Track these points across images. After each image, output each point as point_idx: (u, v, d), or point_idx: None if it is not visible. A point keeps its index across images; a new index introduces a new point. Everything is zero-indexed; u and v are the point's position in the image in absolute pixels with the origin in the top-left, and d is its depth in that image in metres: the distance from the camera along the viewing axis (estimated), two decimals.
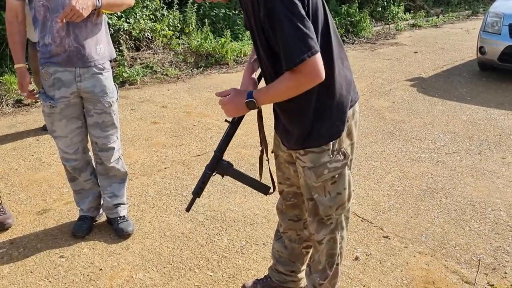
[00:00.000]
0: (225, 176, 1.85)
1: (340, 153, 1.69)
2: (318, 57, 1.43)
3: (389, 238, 2.69)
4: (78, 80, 2.40)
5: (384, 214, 2.95)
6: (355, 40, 9.04)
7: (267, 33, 1.49)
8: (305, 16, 1.42)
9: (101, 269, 2.43)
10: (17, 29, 2.37)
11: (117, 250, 2.59)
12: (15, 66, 2.42)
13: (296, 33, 1.40)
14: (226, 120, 1.81)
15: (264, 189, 1.88)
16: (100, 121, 2.51)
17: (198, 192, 1.84)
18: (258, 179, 1.91)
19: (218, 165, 1.82)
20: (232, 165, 1.83)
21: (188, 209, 1.90)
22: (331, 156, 1.67)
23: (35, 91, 2.52)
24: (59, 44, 2.31)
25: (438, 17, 12.06)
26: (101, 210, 2.84)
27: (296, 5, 1.40)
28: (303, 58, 1.40)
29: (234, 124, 1.80)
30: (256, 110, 1.68)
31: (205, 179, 1.83)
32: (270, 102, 1.63)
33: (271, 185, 1.91)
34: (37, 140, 4.20)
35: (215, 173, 1.84)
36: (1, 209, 2.84)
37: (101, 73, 2.45)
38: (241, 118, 1.79)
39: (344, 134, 1.68)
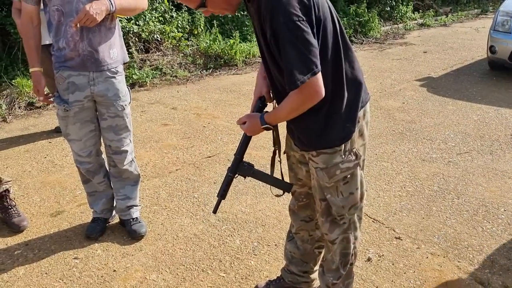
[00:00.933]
0: (247, 177, 1.88)
1: (352, 153, 1.71)
2: (318, 77, 1.49)
3: (401, 239, 2.69)
4: (92, 84, 2.42)
5: (395, 215, 2.95)
6: (363, 40, 9.02)
7: (273, 51, 1.54)
8: (308, 38, 1.45)
9: (115, 270, 2.46)
10: (32, 33, 2.40)
11: (130, 252, 2.62)
12: (30, 70, 2.45)
13: (298, 56, 1.45)
14: None
15: (286, 187, 1.90)
16: (114, 125, 2.54)
17: (223, 194, 1.88)
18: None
19: (239, 167, 1.84)
20: (253, 166, 1.86)
21: (215, 211, 1.94)
22: (343, 156, 1.70)
23: (49, 95, 2.55)
24: (73, 49, 2.34)
25: (447, 16, 12.00)
26: (114, 212, 2.86)
27: (300, 28, 1.44)
28: (303, 80, 1.46)
29: None
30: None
31: (228, 182, 1.86)
32: (281, 122, 1.71)
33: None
34: (50, 142, 4.25)
35: (237, 175, 1.86)
36: (16, 211, 2.88)
37: (114, 77, 2.47)
38: None
39: (355, 134, 1.70)
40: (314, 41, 1.47)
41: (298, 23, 1.43)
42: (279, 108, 1.65)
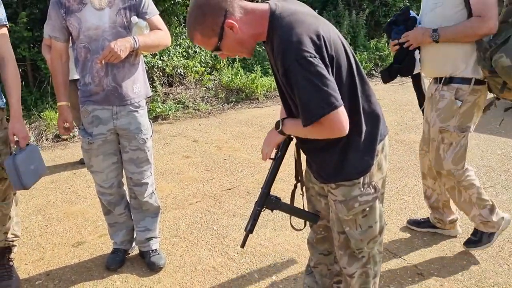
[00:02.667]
0: (274, 210, 1.88)
1: (371, 186, 1.71)
2: (341, 110, 1.48)
3: (424, 276, 2.62)
4: (115, 118, 2.50)
5: (417, 250, 2.88)
6: None
7: (286, 89, 1.58)
8: (323, 73, 1.46)
9: None
10: (61, 70, 2.51)
11: (148, 284, 2.62)
12: (58, 104, 2.55)
13: (315, 92, 1.46)
14: (270, 158, 1.86)
15: (313, 218, 1.91)
16: (135, 157, 2.60)
17: (250, 229, 1.85)
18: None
19: (267, 201, 1.84)
20: (280, 199, 1.86)
21: (242, 245, 1.92)
22: (362, 189, 1.70)
23: (67, 127, 2.57)
24: (98, 84, 2.43)
25: None
26: (133, 243, 2.89)
27: (313, 64, 1.45)
28: (323, 114, 1.46)
29: (278, 160, 1.84)
30: (295, 148, 1.82)
31: (256, 216, 1.85)
32: (293, 134, 1.72)
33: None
34: (74, 173, 4.35)
35: (264, 208, 1.85)
36: (7, 273, 2.61)
37: (137, 111, 2.55)
38: (283, 153, 1.84)
39: (374, 168, 1.71)
40: (330, 76, 1.48)
41: (310, 59, 1.45)
42: (298, 124, 1.60)
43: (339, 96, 1.48)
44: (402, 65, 2.63)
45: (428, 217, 3.10)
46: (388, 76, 2.73)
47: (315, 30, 1.51)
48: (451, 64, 2.50)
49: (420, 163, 2.96)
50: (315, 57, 1.46)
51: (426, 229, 3.07)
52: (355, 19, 9.69)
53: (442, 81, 2.56)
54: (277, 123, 1.74)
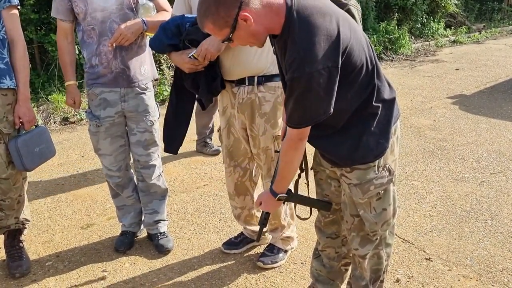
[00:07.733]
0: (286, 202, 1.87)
1: (385, 169, 1.72)
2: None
3: (432, 261, 2.62)
4: (123, 100, 2.49)
5: (426, 235, 2.87)
6: (393, 57, 8.94)
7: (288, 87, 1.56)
8: (331, 86, 1.49)
9: (142, 284, 2.48)
10: (67, 50, 2.50)
11: (157, 266, 2.64)
12: (66, 84, 2.53)
13: (319, 101, 1.50)
14: (276, 151, 1.85)
15: (327, 207, 1.91)
16: (143, 140, 2.59)
17: (264, 223, 1.87)
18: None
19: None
20: (290, 190, 1.84)
21: (258, 239, 1.96)
22: (377, 172, 1.71)
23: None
24: (106, 66, 2.42)
25: (480, 33, 11.76)
26: (142, 226, 2.90)
27: (323, 75, 1.45)
28: (319, 119, 1.54)
29: None
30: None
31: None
32: (288, 183, 1.74)
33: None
34: (82, 156, 4.36)
35: None
36: (18, 254, 2.62)
37: (144, 93, 2.54)
38: None
39: (388, 150, 1.70)
40: (335, 84, 1.50)
41: (323, 71, 1.44)
42: (277, 172, 1.71)
43: (332, 105, 1.52)
44: (216, 81, 2.25)
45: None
46: (210, 100, 2.33)
47: (332, 32, 1.46)
48: (263, 63, 2.22)
49: (227, 183, 2.62)
50: (327, 67, 1.45)
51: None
52: (365, 1, 9.54)
53: (256, 81, 2.25)
54: (282, 198, 1.75)
